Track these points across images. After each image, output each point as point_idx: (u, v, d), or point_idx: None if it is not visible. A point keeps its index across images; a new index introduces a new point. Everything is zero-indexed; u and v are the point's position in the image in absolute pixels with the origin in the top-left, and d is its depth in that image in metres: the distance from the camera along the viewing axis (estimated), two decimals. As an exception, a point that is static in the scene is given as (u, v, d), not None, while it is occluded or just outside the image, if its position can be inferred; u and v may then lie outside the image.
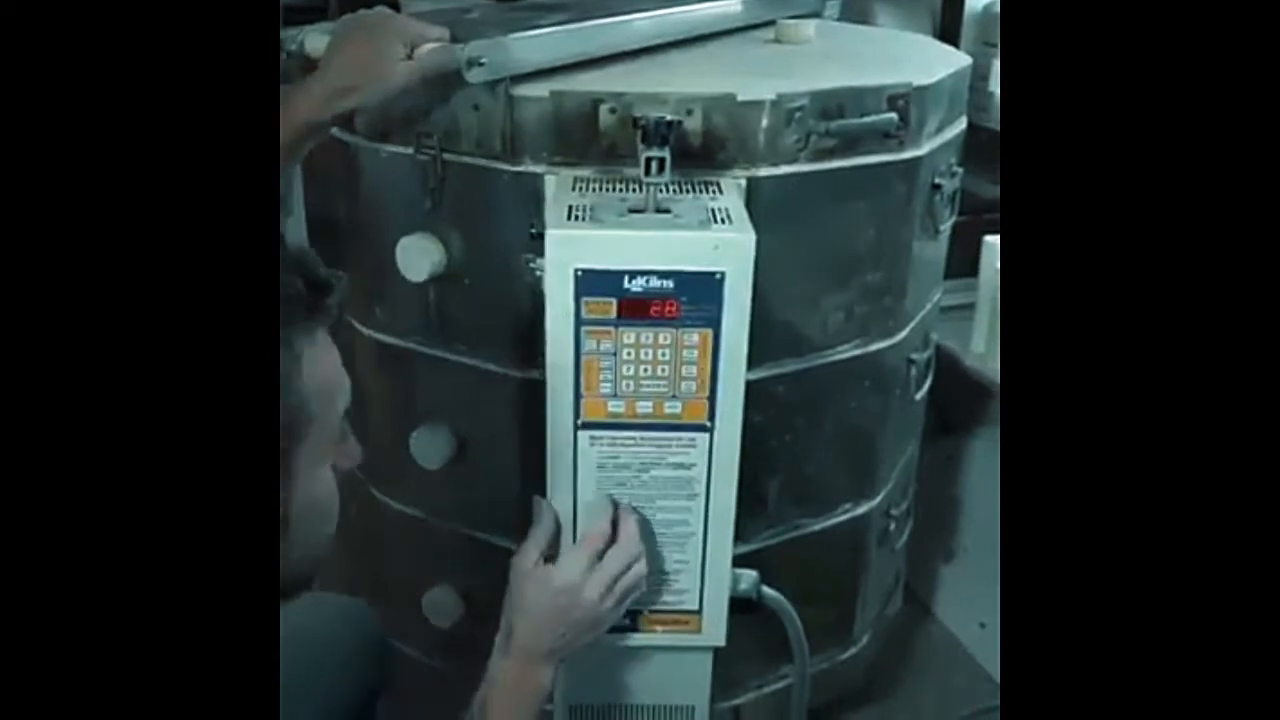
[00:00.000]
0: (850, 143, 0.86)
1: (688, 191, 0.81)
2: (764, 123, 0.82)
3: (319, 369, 0.54)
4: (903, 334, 0.99)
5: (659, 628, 0.86)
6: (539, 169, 0.83)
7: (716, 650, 0.91)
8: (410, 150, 0.86)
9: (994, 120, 1.53)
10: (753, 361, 0.79)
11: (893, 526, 1.11)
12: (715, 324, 0.76)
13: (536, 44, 0.84)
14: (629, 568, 0.78)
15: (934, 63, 1.00)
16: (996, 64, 1.59)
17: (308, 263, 0.54)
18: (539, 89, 0.82)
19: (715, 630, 0.87)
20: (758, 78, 0.88)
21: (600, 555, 0.78)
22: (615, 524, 0.79)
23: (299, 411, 0.52)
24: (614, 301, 0.75)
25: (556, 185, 0.82)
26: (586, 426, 0.79)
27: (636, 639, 0.87)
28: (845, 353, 0.95)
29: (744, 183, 0.83)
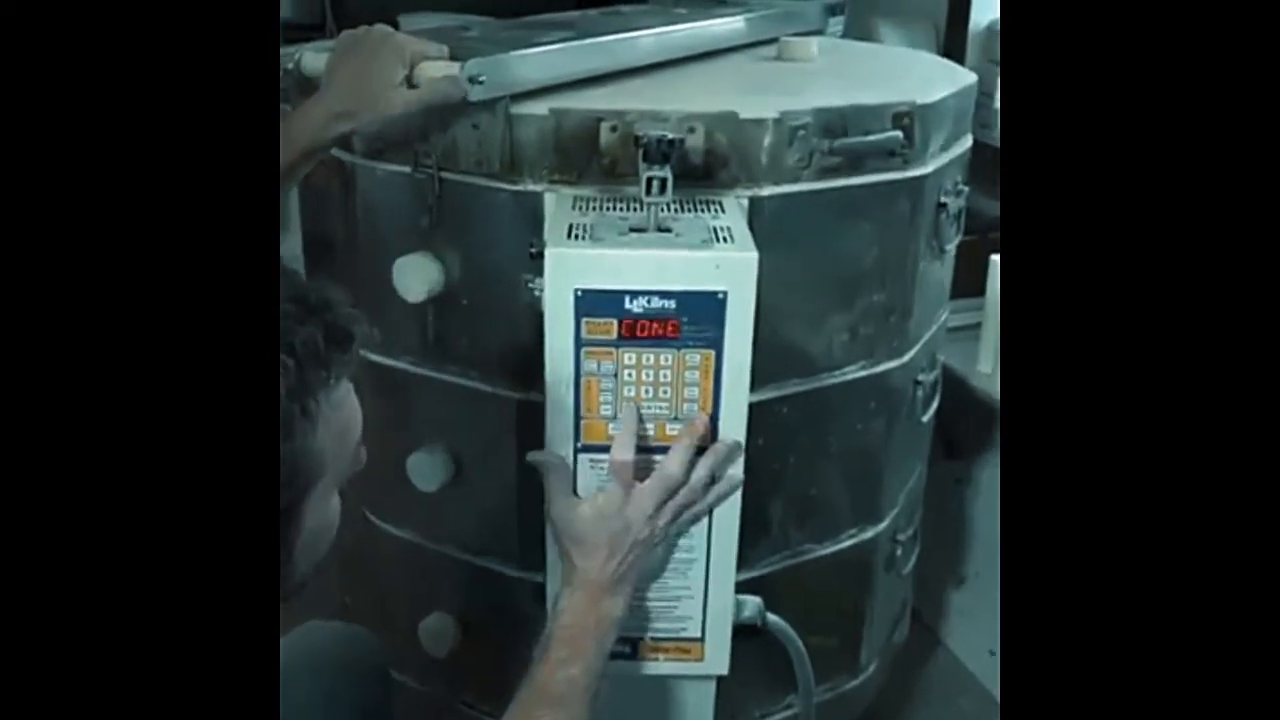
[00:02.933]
0: (854, 161, 0.87)
1: (689, 210, 0.81)
2: (766, 141, 0.83)
3: (333, 426, 0.55)
4: (909, 355, 0.99)
5: (660, 656, 0.86)
6: (538, 187, 0.83)
7: (719, 679, 0.90)
8: (408, 168, 0.86)
9: (999, 138, 1.54)
10: (756, 383, 0.79)
11: (900, 551, 1.11)
12: (717, 344, 0.76)
13: (536, 62, 0.85)
14: (675, 489, 0.77)
15: (938, 80, 1.00)
16: (1002, 81, 1.60)
17: (330, 307, 0.53)
18: (539, 107, 0.82)
19: (718, 658, 0.87)
20: (760, 95, 0.88)
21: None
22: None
23: (312, 467, 0.53)
24: (614, 322, 0.75)
25: (556, 204, 0.82)
26: (587, 449, 0.79)
27: (637, 667, 0.87)
28: (850, 374, 0.95)
29: (746, 202, 0.84)
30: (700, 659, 0.86)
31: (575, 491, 0.79)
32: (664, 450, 0.78)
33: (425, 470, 0.92)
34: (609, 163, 0.82)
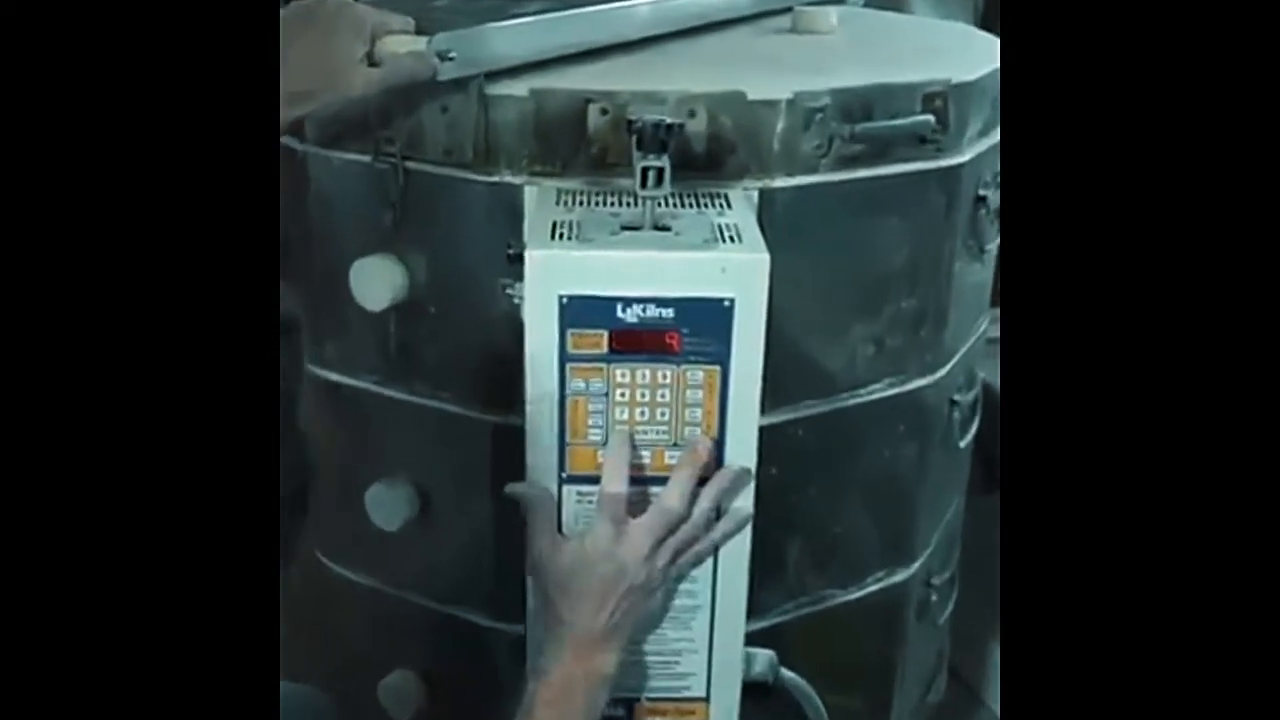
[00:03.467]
0: (879, 149, 0.87)
1: (690, 205, 0.81)
2: (779, 125, 0.83)
3: None
4: (943, 370, 1.00)
5: (659, 719, 0.85)
6: (518, 180, 0.83)
7: (726, 746, 0.90)
8: (368, 158, 0.86)
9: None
10: (767, 403, 0.80)
11: (934, 597, 1.11)
12: (723, 359, 0.76)
13: (515, 35, 0.85)
14: (675, 526, 0.77)
15: (976, 56, 1.01)
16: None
17: None
18: (518, 87, 0.83)
19: (725, 722, 0.86)
20: (772, 73, 0.90)
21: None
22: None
23: None
24: (605, 333, 0.75)
25: (538, 198, 0.83)
26: (573, 480, 0.79)
27: (632, 733, 0.86)
28: (876, 393, 0.95)
29: (756, 195, 0.84)
30: (705, 723, 0.86)
31: (560, 529, 0.79)
32: (662, 481, 0.78)
33: (386, 505, 0.92)
34: (598, 151, 0.83)
